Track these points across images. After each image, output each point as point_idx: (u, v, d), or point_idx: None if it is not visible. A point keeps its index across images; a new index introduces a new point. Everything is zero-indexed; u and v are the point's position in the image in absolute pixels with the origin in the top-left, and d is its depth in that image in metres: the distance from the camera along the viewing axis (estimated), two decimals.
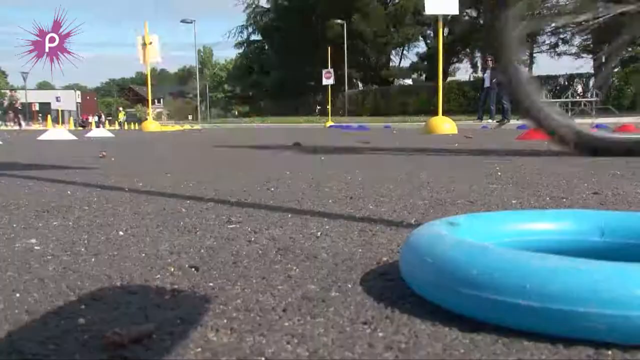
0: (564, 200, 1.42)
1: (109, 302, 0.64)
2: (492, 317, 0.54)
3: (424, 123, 9.14)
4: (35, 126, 27.84)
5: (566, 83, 24.24)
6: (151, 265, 0.82)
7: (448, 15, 8.66)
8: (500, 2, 2.66)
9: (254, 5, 43.89)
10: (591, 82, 23.37)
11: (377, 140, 5.51)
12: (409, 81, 40.29)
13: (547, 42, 31.27)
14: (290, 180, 1.94)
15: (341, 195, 1.55)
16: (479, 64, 34.10)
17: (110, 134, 9.54)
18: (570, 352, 0.49)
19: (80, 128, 27.52)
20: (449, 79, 34.42)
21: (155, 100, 62.04)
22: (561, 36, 29.36)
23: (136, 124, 29.43)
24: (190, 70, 68.63)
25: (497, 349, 0.50)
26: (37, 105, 40.06)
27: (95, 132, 10.14)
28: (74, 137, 7.72)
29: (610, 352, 0.49)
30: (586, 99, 19.28)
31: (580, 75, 24.27)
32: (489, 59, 14.85)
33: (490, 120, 13.56)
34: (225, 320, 0.58)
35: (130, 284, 0.72)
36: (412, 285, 0.64)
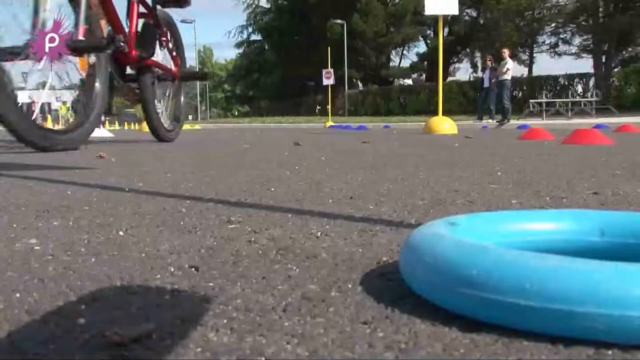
0: (564, 200, 1.42)
1: (109, 302, 0.64)
2: (492, 317, 0.53)
3: (424, 123, 9.14)
4: None
5: (566, 83, 24.24)
6: (151, 265, 0.82)
7: (448, 15, 8.66)
8: None
9: (254, 5, 43.90)
10: (591, 82, 23.37)
11: (377, 140, 5.51)
12: (409, 81, 40.29)
13: (547, 42, 31.25)
14: (290, 180, 1.94)
15: (341, 195, 1.55)
16: (479, 64, 34.08)
17: (110, 134, 9.54)
18: (570, 352, 0.49)
19: None
20: (449, 79, 34.41)
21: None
22: (561, 36, 29.35)
23: (136, 124, 29.38)
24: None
25: (497, 349, 0.50)
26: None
27: (95, 132, 10.11)
28: None
29: (610, 352, 0.49)
30: (586, 99, 19.27)
31: (580, 75, 24.25)
32: (489, 59, 14.89)
33: (490, 120, 13.58)
34: (225, 320, 0.58)
35: (130, 284, 0.72)
36: (412, 285, 0.64)
